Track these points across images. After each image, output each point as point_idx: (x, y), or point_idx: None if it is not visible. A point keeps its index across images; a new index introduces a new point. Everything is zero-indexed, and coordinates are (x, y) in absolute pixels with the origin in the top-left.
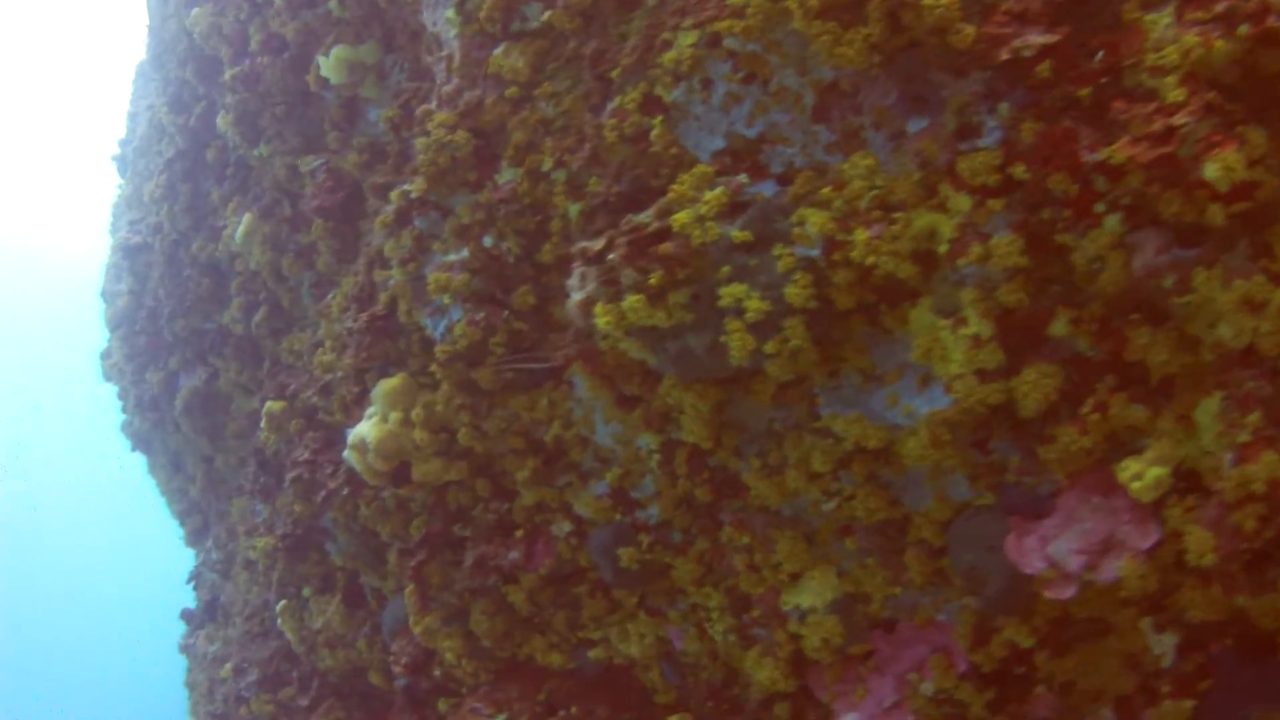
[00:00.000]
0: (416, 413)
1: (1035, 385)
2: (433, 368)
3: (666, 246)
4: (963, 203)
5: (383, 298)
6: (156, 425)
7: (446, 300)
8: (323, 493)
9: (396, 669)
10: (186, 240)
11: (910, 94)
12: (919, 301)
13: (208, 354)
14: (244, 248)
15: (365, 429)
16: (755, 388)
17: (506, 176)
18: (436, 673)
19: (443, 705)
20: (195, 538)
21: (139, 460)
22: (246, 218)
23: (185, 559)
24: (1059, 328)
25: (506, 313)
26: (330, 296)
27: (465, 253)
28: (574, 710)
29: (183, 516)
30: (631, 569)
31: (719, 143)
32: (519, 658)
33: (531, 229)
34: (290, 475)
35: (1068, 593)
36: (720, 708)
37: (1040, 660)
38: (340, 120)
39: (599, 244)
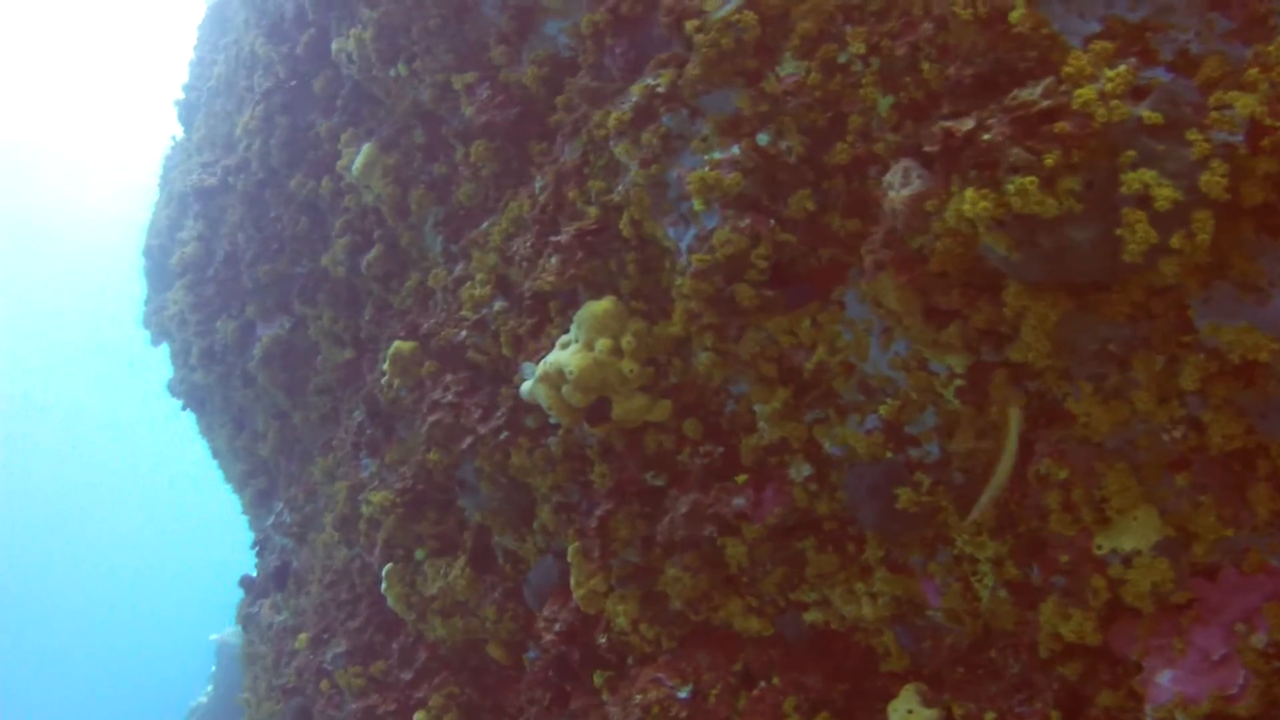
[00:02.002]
0: (627, 340)
1: None
2: (679, 281)
3: (1063, 125)
4: None
5: (591, 211)
6: (222, 379)
7: (698, 206)
8: (469, 439)
9: (548, 637)
10: (278, 178)
11: None
12: None
13: (294, 301)
14: (361, 180)
15: (565, 357)
16: (1110, 299)
17: (789, 69)
18: (602, 640)
19: (598, 678)
20: (260, 499)
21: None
22: (366, 148)
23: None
24: None
25: (772, 221)
26: (487, 224)
27: (735, 151)
28: (776, 681)
29: (245, 479)
30: (910, 511)
31: (1094, 26)
32: (713, 623)
33: (822, 126)
34: (429, 420)
35: None
36: (972, 673)
37: None
38: (510, 33)
39: (967, 124)
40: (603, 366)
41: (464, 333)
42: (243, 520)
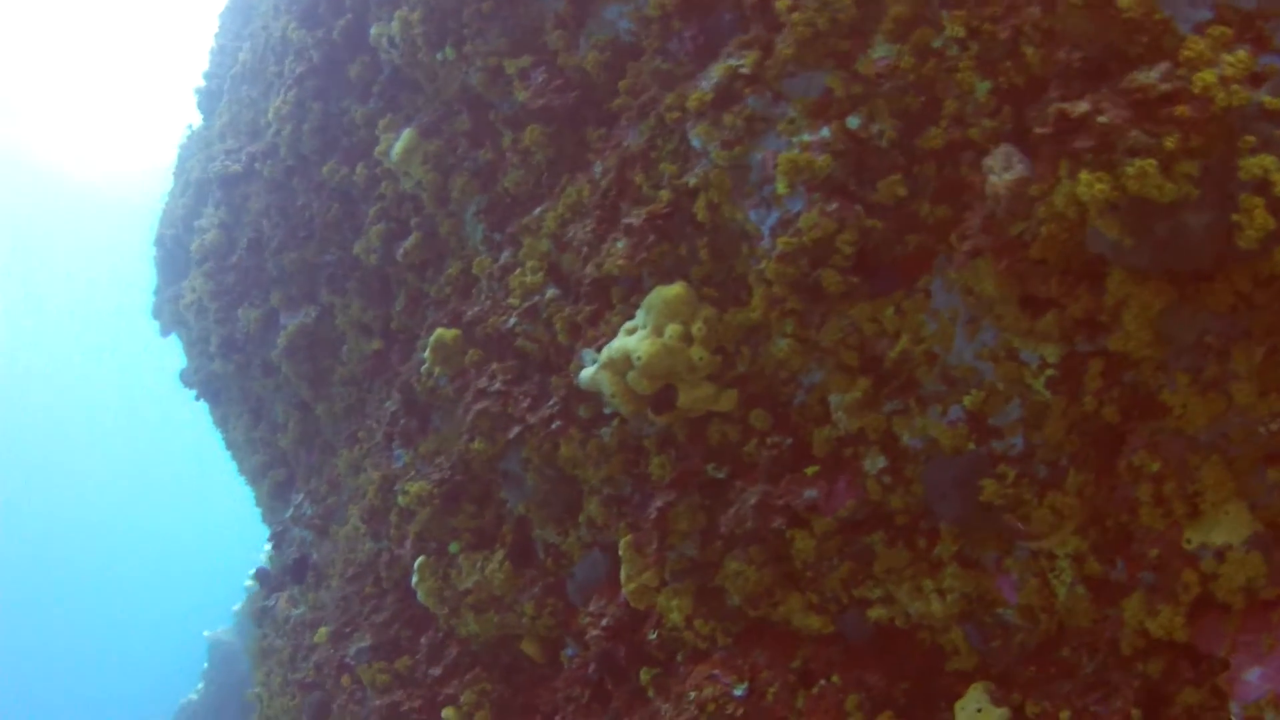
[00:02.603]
0: (697, 327)
1: None
2: (763, 265)
3: (1183, 109)
4: None
5: (662, 195)
6: (242, 369)
7: (782, 189)
8: (516, 429)
9: (593, 632)
10: (308, 165)
11: None
12: None
13: (320, 290)
14: (400, 166)
15: (633, 343)
16: (1213, 288)
17: (880, 52)
18: (653, 636)
19: (644, 675)
20: (278, 492)
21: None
22: (406, 134)
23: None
24: None
25: (858, 206)
26: (540, 210)
27: (825, 133)
28: (836, 679)
29: (262, 470)
30: (995, 504)
31: (1205, 13)
32: (771, 620)
33: (915, 110)
34: (475, 409)
35: None
36: (1044, 672)
37: None
38: (568, 17)
39: (1081, 107)
40: (672, 353)
41: (513, 320)
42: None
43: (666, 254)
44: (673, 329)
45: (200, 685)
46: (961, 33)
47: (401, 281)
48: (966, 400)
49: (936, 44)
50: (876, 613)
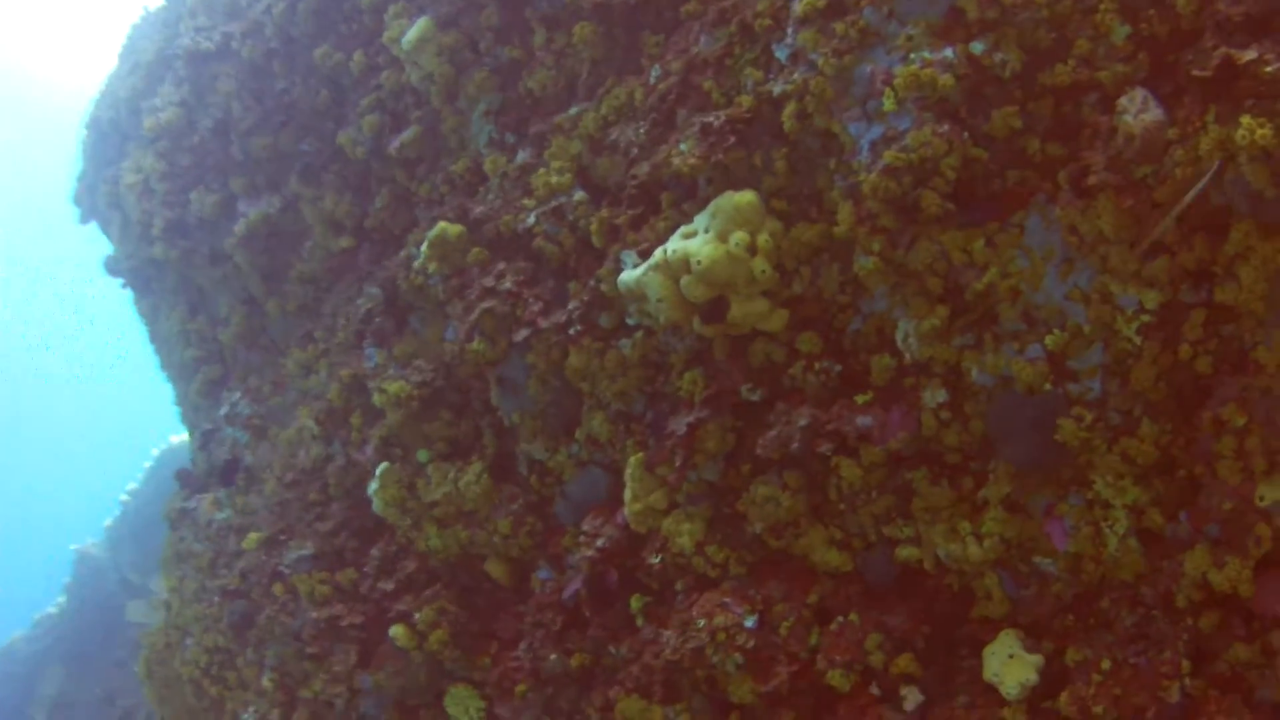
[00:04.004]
0: (764, 238)
1: None
2: (859, 179)
3: None
4: None
5: (743, 100)
6: (186, 256)
7: (889, 105)
8: (524, 332)
9: (586, 552)
10: (295, 48)
11: None
12: None
13: (289, 180)
14: (410, 57)
15: (694, 246)
16: None
17: None
18: (655, 560)
19: (635, 602)
20: (209, 389)
21: None
22: (422, 23)
23: None
24: None
25: (966, 134)
26: (577, 110)
27: (949, 54)
28: (854, 618)
29: (194, 365)
30: (1071, 445)
31: None
32: (790, 552)
33: (1045, 46)
34: (479, 307)
35: None
36: (1083, 622)
37: None
38: None
39: (1249, 54)
40: (735, 262)
41: (532, 219)
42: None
43: (740, 161)
44: (739, 237)
45: (61, 599)
46: None
47: (386, 179)
48: (1048, 340)
49: None
50: (906, 552)
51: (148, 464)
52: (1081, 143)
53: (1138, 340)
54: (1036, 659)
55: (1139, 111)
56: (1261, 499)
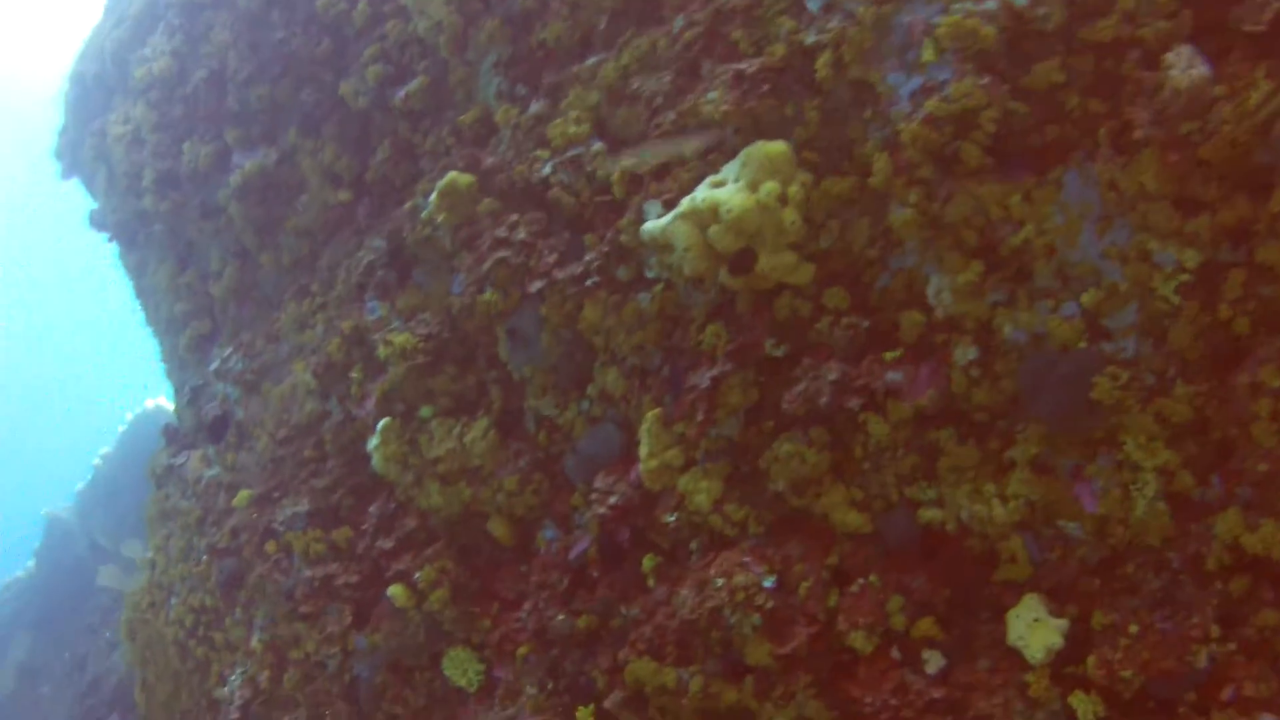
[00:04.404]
0: (794, 189)
1: None
2: (899, 128)
3: None
4: None
5: (776, 49)
6: (177, 208)
7: (929, 56)
8: (538, 283)
9: (599, 509)
10: None
11: None
12: None
13: (286, 131)
14: (418, 6)
15: (724, 195)
16: None
17: None
18: (670, 519)
19: (648, 562)
20: (199, 344)
21: None
22: None
23: None
24: None
25: (1007, 87)
26: (593, 61)
27: (991, 5)
28: (873, 579)
29: (183, 320)
30: (1105, 402)
31: None
32: (812, 512)
33: (1089, 0)
34: (492, 257)
35: None
36: (1108, 586)
37: None
38: None
39: None
40: (765, 211)
41: (548, 169)
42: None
43: (772, 110)
44: (769, 187)
45: (31, 563)
46: None
47: (388, 131)
48: (1085, 298)
49: None
50: (929, 514)
51: (122, 428)
52: (1123, 99)
53: (1176, 299)
54: (1062, 623)
55: (1186, 67)
56: None
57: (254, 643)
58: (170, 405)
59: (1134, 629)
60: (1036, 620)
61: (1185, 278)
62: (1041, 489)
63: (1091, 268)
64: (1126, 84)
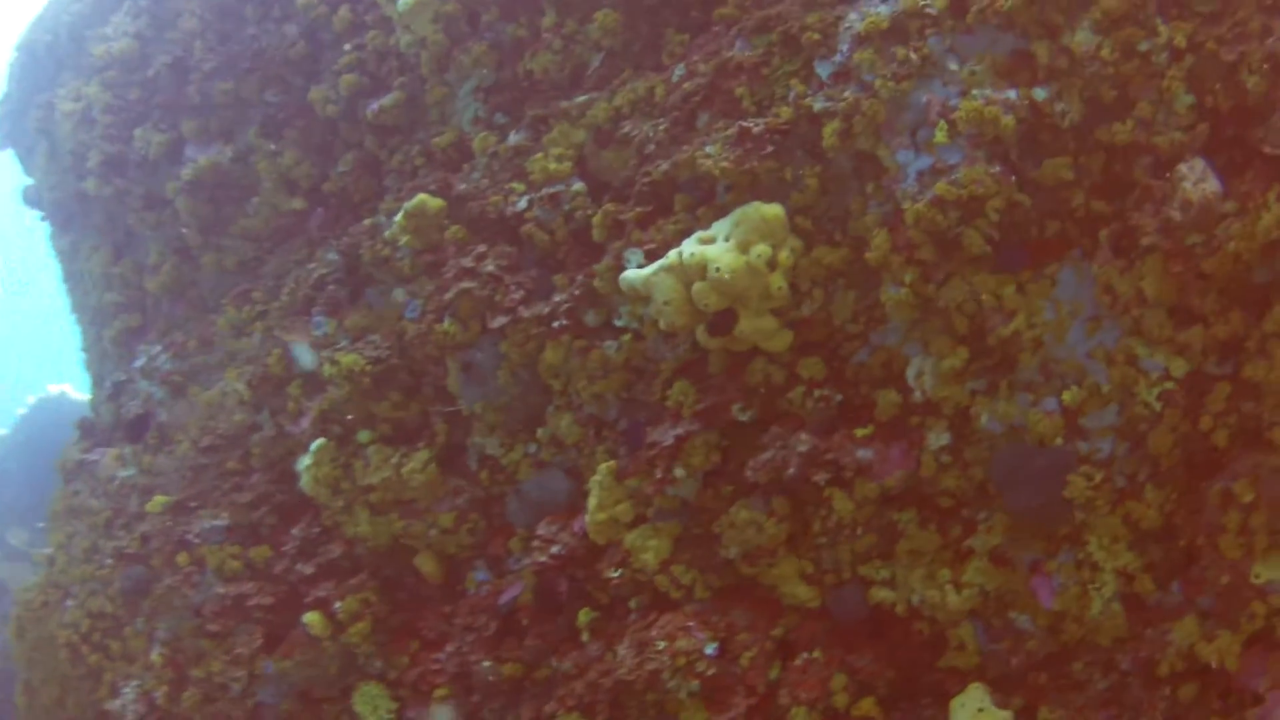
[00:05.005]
0: (785, 255)
1: None
2: (904, 206)
3: None
4: None
5: (783, 111)
6: (120, 195)
7: (941, 138)
8: (502, 319)
9: (540, 558)
10: None
11: None
12: None
13: (247, 130)
14: (405, 20)
15: (714, 252)
16: None
17: (1081, 39)
18: (615, 574)
19: (583, 616)
20: (126, 338)
21: None
22: None
23: None
24: None
25: (1014, 178)
26: (581, 98)
27: (1012, 95)
28: (817, 655)
29: (113, 311)
30: (1077, 501)
31: None
32: (760, 581)
33: (1107, 102)
34: (456, 287)
35: None
36: (1055, 682)
37: None
38: None
39: None
40: (754, 274)
41: (524, 203)
42: None
43: (772, 172)
44: (761, 249)
45: None
46: (1183, 44)
47: (355, 143)
48: (1066, 396)
49: (1143, 46)
50: (880, 594)
51: (21, 410)
52: (1128, 204)
53: (1157, 406)
54: (1006, 715)
55: (1198, 180)
56: (1257, 576)
57: (154, 656)
58: (78, 394)
59: None
60: (981, 710)
61: (1170, 385)
62: (998, 579)
63: (1076, 366)
64: (1134, 189)
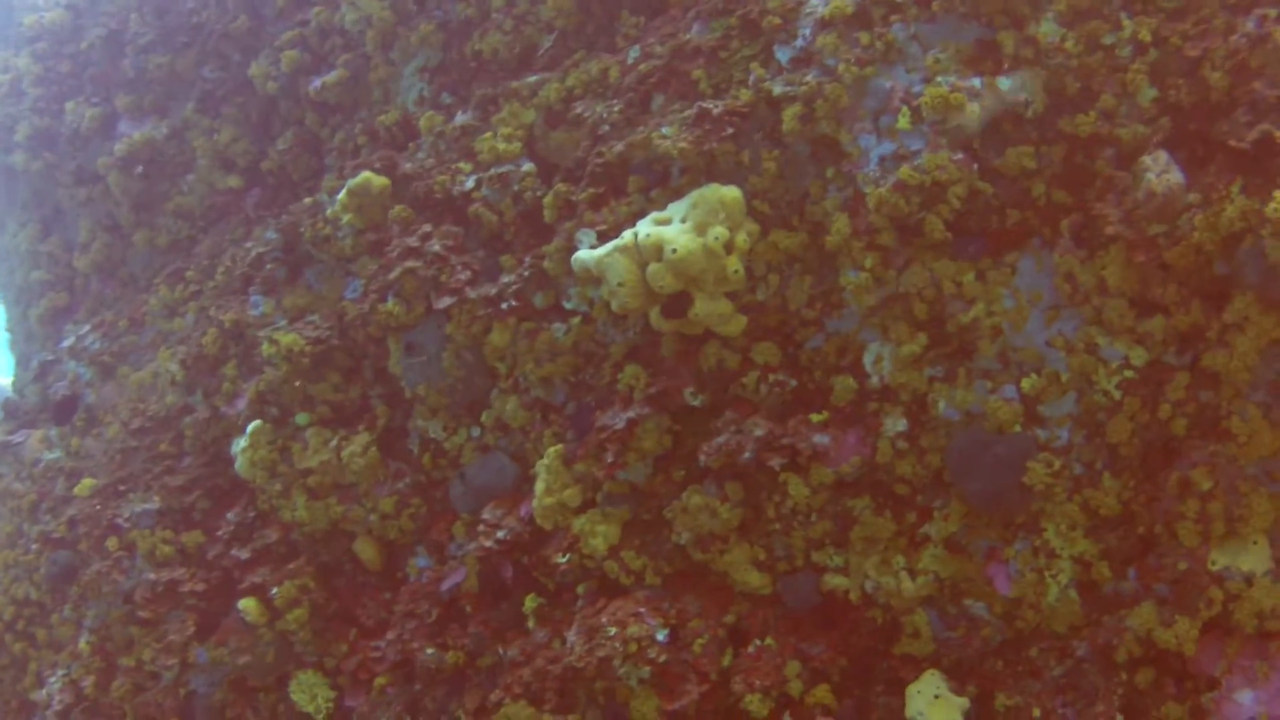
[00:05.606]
0: (742, 238)
1: None
2: (866, 190)
3: None
4: None
5: (744, 95)
6: (50, 169)
7: (904, 124)
8: (447, 299)
9: (485, 543)
10: None
11: None
12: None
13: (182, 106)
14: None
15: (670, 234)
16: None
17: (1046, 30)
18: (563, 560)
19: (529, 603)
20: (53, 317)
21: None
22: None
23: None
24: None
25: (976, 166)
26: (532, 79)
27: (976, 83)
28: (770, 642)
29: (40, 289)
30: (1036, 487)
31: None
32: (711, 568)
33: (1071, 94)
34: (400, 266)
35: None
36: (1011, 669)
37: None
38: None
39: None
40: (710, 257)
41: (471, 183)
42: None
43: (729, 155)
44: (718, 231)
45: None
46: (1147, 38)
47: (295, 120)
48: (1025, 384)
49: (1108, 40)
50: (834, 581)
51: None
52: (1090, 195)
53: (1117, 394)
54: (963, 702)
55: (1161, 172)
56: (1214, 563)
57: (81, 644)
58: (1, 376)
59: (1037, 713)
60: (938, 697)
61: (1130, 374)
62: (953, 567)
63: (1035, 354)
64: (1096, 180)
